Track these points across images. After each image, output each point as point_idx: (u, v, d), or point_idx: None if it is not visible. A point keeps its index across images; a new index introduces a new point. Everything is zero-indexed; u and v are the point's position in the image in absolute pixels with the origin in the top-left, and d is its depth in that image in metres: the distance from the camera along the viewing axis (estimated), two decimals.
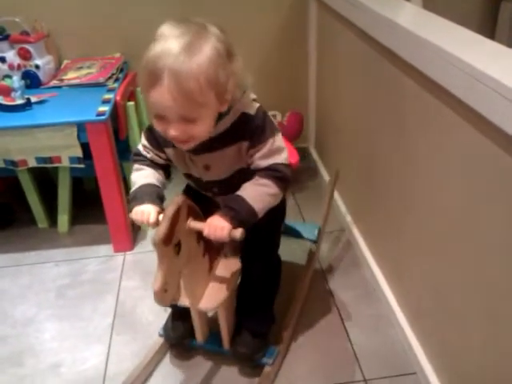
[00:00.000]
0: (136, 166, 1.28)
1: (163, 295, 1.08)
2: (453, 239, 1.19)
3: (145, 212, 1.16)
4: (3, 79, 1.85)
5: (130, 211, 1.19)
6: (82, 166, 1.83)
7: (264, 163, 1.18)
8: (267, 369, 1.43)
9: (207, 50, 1.02)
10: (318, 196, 2.24)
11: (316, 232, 1.75)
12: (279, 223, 1.48)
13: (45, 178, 2.24)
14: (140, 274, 1.88)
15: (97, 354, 1.57)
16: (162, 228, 1.05)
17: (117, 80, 2.00)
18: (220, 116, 1.13)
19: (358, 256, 1.89)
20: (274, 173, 1.18)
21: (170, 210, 1.07)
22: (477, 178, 1.06)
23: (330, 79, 2.14)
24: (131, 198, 1.22)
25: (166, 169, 1.31)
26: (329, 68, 2.14)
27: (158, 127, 1.10)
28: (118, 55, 2.18)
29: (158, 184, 1.25)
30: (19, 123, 1.73)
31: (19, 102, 1.78)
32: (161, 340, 1.54)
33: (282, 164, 1.19)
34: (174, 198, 1.12)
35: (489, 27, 2.14)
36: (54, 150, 1.80)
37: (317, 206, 2.13)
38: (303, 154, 2.43)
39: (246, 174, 1.21)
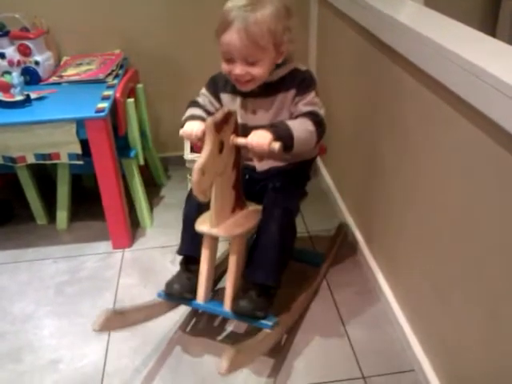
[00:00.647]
0: (188, 108, 1.47)
1: (200, 177, 1.18)
2: (453, 237, 1.19)
3: (195, 125, 1.36)
4: (3, 75, 1.84)
5: (182, 127, 1.39)
6: (80, 162, 1.82)
7: (306, 108, 1.38)
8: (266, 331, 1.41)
9: (270, 5, 1.28)
10: (317, 196, 2.24)
11: (321, 260, 1.80)
12: (302, 184, 1.59)
13: (44, 174, 2.24)
14: (139, 271, 1.88)
15: (95, 350, 1.57)
16: (218, 115, 1.22)
17: (116, 76, 2.00)
18: (276, 67, 1.37)
19: (357, 254, 1.89)
20: (314, 117, 1.36)
21: (226, 108, 1.26)
22: (477, 176, 1.06)
23: (330, 76, 2.13)
24: (183, 120, 1.41)
25: None
26: (329, 65, 2.14)
27: (226, 69, 1.34)
28: (117, 51, 2.17)
29: (204, 115, 1.43)
30: (18, 119, 1.73)
31: (18, 98, 1.77)
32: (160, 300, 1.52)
33: (320, 113, 1.38)
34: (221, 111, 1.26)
35: (490, 24, 2.13)
36: (53, 147, 1.79)
37: (317, 206, 2.14)
38: None
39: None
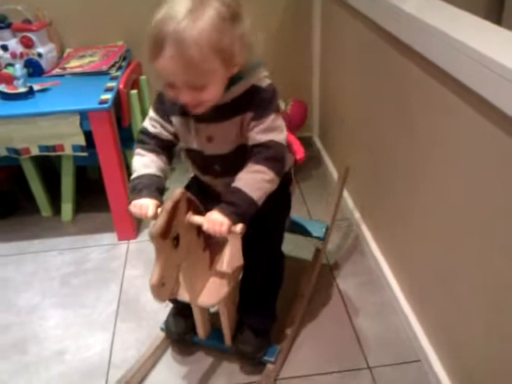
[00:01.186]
0: (138, 150, 1.25)
1: (160, 289, 1.07)
2: (458, 227, 1.19)
3: (143, 206, 1.14)
4: (5, 67, 1.84)
5: (129, 203, 1.17)
6: (84, 154, 1.82)
7: (261, 138, 1.16)
8: (269, 367, 1.42)
9: (209, 14, 1.00)
10: (321, 185, 2.24)
11: (324, 230, 1.70)
12: (284, 217, 1.47)
13: (48, 166, 2.24)
14: (144, 263, 1.88)
15: (101, 341, 1.57)
16: (160, 222, 1.03)
17: (120, 68, 1.99)
18: (230, 83, 1.13)
19: (362, 244, 1.89)
20: (268, 152, 1.16)
21: (169, 203, 1.05)
22: (483, 166, 1.06)
23: (334, 67, 2.13)
24: (130, 190, 1.19)
25: (169, 149, 1.27)
26: (333, 55, 2.13)
27: (169, 94, 1.11)
28: (120, 43, 2.16)
29: (158, 174, 1.22)
30: (22, 111, 1.73)
31: (22, 90, 1.77)
32: (162, 334, 1.52)
33: (278, 143, 1.18)
34: (174, 191, 1.09)
35: (495, 13, 2.11)
36: (56, 138, 1.79)
37: (321, 196, 2.14)
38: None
39: (247, 151, 1.19)
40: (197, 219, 1.13)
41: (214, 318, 1.43)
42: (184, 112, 1.19)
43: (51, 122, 1.75)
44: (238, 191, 1.14)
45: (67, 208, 2.11)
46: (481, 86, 0.99)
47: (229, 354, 1.47)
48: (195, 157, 1.29)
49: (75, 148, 1.81)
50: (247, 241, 1.27)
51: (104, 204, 1.94)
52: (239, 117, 1.17)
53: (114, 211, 1.94)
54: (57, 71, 1.97)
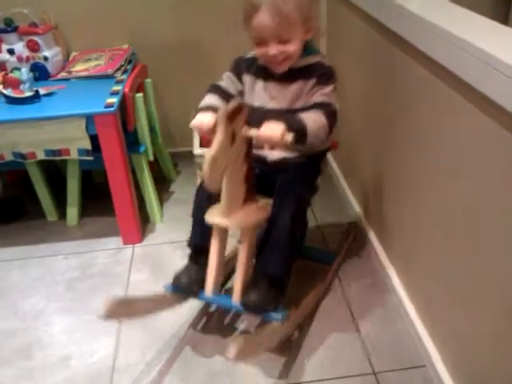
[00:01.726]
0: (206, 95, 1.45)
1: (213, 166, 1.17)
2: (466, 231, 1.17)
3: (205, 118, 1.31)
4: (12, 71, 1.83)
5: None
6: (90, 158, 1.82)
7: (321, 99, 1.37)
8: (276, 324, 1.38)
9: None
10: (326, 186, 2.21)
11: (333, 258, 1.78)
12: (313, 177, 1.57)
13: (54, 170, 2.24)
14: (149, 267, 1.87)
15: (105, 346, 1.57)
16: (231, 105, 1.19)
17: (125, 71, 1.99)
18: (302, 56, 1.38)
19: (368, 248, 1.87)
20: (327, 108, 1.35)
21: (239, 100, 1.26)
22: (491, 168, 1.04)
23: (340, 67, 2.10)
24: (197, 110, 1.38)
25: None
26: (339, 54, 2.11)
27: (259, 52, 1.35)
28: (126, 46, 2.16)
29: (221, 102, 1.40)
30: (28, 116, 1.73)
31: (28, 94, 1.77)
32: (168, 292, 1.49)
33: (333, 105, 1.37)
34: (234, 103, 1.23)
35: (502, 11, 2.09)
36: (62, 143, 1.79)
37: (326, 197, 2.12)
38: None
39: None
40: (252, 131, 1.26)
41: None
42: (256, 72, 1.45)
43: (57, 126, 1.74)
44: (297, 116, 1.32)
45: (73, 212, 2.11)
46: (485, 86, 0.98)
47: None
48: (254, 112, 1.38)
49: (81, 152, 1.81)
50: (277, 194, 1.42)
51: (109, 208, 1.94)
52: (303, 82, 1.39)
53: (120, 215, 1.94)
54: (62, 75, 1.97)
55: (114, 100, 1.76)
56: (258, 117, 1.34)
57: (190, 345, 1.54)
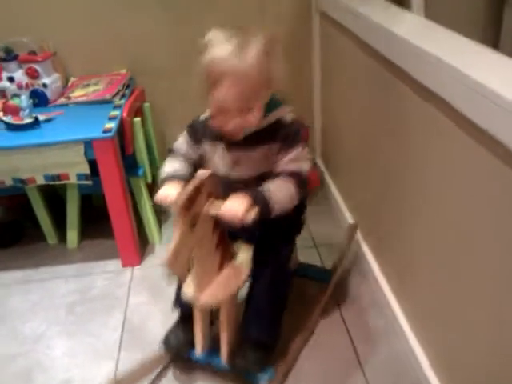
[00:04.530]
0: (168, 160, 1.42)
1: (174, 262, 1.12)
2: (461, 249, 1.18)
3: (169, 191, 1.28)
4: (12, 98, 1.87)
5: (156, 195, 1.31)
6: (89, 182, 1.84)
7: (290, 167, 1.30)
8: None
9: (255, 46, 1.20)
10: (323, 205, 2.24)
11: (329, 276, 1.78)
12: (294, 234, 1.54)
13: (54, 193, 2.26)
14: (148, 290, 1.88)
15: (106, 370, 1.57)
16: (186, 191, 1.13)
17: (123, 96, 2.02)
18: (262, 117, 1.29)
19: (362, 264, 1.87)
20: (297, 176, 1.29)
21: (199, 177, 1.16)
22: (480, 190, 1.06)
23: (334, 89, 2.14)
24: (159, 182, 1.35)
25: (194, 165, 1.41)
26: (333, 77, 2.15)
27: (217, 123, 1.28)
28: (124, 71, 2.20)
29: (183, 170, 1.37)
30: (27, 142, 1.75)
31: (27, 120, 1.80)
32: (161, 351, 1.52)
33: (303, 172, 1.31)
34: (205, 171, 1.21)
35: (493, 33, 2.13)
36: (61, 168, 1.81)
37: (323, 217, 2.15)
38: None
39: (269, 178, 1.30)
40: (214, 208, 1.20)
41: (213, 338, 1.43)
42: (215, 138, 1.35)
43: (56, 152, 1.77)
44: (261, 189, 1.26)
45: (73, 235, 2.13)
46: (473, 112, 1.00)
47: (225, 375, 1.46)
48: (219, 180, 1.36)
49: (80, 177, 1.83)
50: (256, 252, 1.38)
51: (109, 231, 1.95)
52: (266, 146, 1.31)
53: (119, 238, 1.95)
54: (62, 101, 2.00)
55: (112, 125, 1.79)
56: (224, 187, 1.31)
57: (188, 371, 1.54)
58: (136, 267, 2.00)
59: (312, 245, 2.03)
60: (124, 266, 2.01)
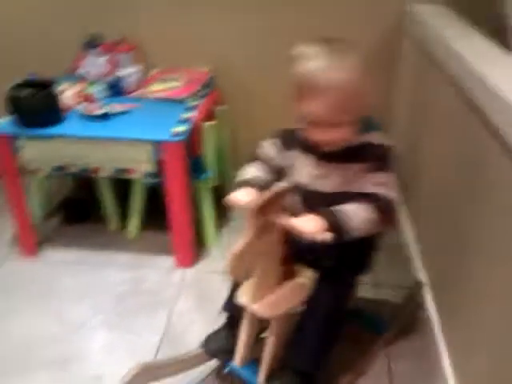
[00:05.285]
0: (250, 163, 1.38)
1: (236, 265, 1.13)
2: None
3: (243, 196, 1.25)
4: (89, 86, 1.89)
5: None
6: (154, 181, 1.85)
7: (375, 189, 1.23)
8: None
9: (351, 60, 1.17)
10: (394, 246, 2.07)
11: (384, 328, 1.66)
12: (360, 272, 1.46)
13: (121, 180, 2.29)
14: (196, 296, 1.87)
15: None
16: (263, 198, 1.13)
17: (200, 97, 1.99)
18: (358, 132, 1.25)
19: (425, 324, 1.70)
20: (382, 201, 1.22)
21: (277, 189, 1.16)
22: None
23: (417, 120, 1.99)
24: (234, 186, 1.31)
25: (274, 173, 1.38)
26: (416, 108, 1.99)
27: (308, 132, 1.25)
28: (204, 70, 2.15)
29: (262, 176, 1.33)
30: (96, 134, 1.77)
31: (100, 112, 1.82)
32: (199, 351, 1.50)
33: (388, 197, 1.23)
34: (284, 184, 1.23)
35: None
36: (128, 163, 1.83)
37: (390, 258, 1.97)
38: None
39: (350, 198, 1.24)
40: (287, 222, 1.16)
41: (255, 352, 1.38)
42: (304, 148, 1.32)
43: (124, 147, 1.78)
44: (340, 209, 1.20)
45: (133, 224, 2.16)
46: None
47: None
48: (299, 191, 1.35)
49: (145, 174, 1.84)
50: (317, 281, 1.33)
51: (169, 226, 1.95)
52: (357, 165, 1.26)
53: (175, 239, 1.95)
54: (138, 93, 2.00)
55: (183, 129, 1.76)
56: (303, 198, 1.31)
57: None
58: (188, 269, 2.00)
59: (375, 282, 1.91)
60: (178, 265, 2.01)
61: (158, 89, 2.01)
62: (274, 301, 1.27)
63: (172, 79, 2.07)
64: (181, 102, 1.95)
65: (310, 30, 2.06)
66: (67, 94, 1.88)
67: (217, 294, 1.82)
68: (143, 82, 2.09)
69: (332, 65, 1.14)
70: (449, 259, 1.58)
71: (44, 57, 2.23)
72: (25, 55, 2.30)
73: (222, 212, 2.27)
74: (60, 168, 1.88)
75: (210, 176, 2.02)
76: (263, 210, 1.12)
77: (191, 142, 1.88)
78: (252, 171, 1.35)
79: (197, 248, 2.07)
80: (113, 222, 2.22)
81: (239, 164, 2.37)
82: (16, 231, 2.07)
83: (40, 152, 1.85)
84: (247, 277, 1.24)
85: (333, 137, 1.22)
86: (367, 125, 1.28)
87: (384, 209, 1.22)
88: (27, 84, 1.80)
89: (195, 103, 1.94)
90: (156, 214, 2.20)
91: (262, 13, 2.09)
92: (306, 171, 1.33)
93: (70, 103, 1.87)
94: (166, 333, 1.72)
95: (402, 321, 1.72)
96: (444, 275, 1.65)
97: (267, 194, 1.13)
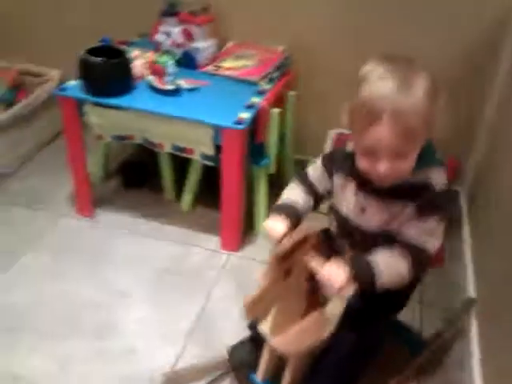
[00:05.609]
0: (292, 184, 1.34)
1: (253, 307, 1.14)
2: None
3: (276, 226, 1.20)
4: (161, 56, 1.83)
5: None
6: (212, 164, 1.81)
7: (415, 239, 1.14)
8: None
9: (421, 84, 1.05)
10: (449, 256, 1.94)
11: (420, 349, 1.55)
12: (392, 312, 1.39)
13: None
14: (236, 283, 1.85)
15: (168, 353, 1.60)
16: (285, 245, 1.10)
17: (271, 80, 1.90)
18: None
19: (464, 350, 1.62)
20: (418, 254, 1.14)
21: (301, 233, 1.11)
22: None
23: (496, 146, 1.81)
24: (271, 210, 1.28)
25: (317, 198, 1.32)
26: (500, 133, 1.81)
27: (363, 163, 1.12)
28: (280, 49, 2.05)
29: (301, 203, 1.28)
30: (162, 110, 1.74)
31: (168, 87, 1.77)
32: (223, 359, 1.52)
33: (428, 250, 1.15)
34: (308, 225, 1.16)
35: None
36: (188, 142, 1.80)
37: (442, 273, 1.88)
38: None
39: (391, 239, 1.17)
40: (315, 264, 1.12)
41: (279, 368, 1.35)
42: (350, 174, 1.22)
43: (185, 127, 1.74)
44: (369, 262, 1.13)
45: (188, 199, 2.15)
46: None
47: None
48: (340, 219, 1.29)
49: (203, 156, 1.81)
50: (345, 315, 1.26)
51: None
52: (402, 203, 1.15)
53: (224, 222, 1.93)
54: (209, 69, 1.94)
55: (246, 115, 1.70)
56: (344, 226, 1.26)
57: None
58: (233, 253, 1.98)
59: (418, 300, 1.80)
60: (222, 248, 1.99)
61: (230, 66, 1.94)
62: (295, 337, 1.21)
63: (246, 56, 1.99)
64: (252, 83, 1.86)
65: (402, 22, 1.92)
66: (137, 62, 1.84)
67: (257, 285, 1.82)
68: (217, 55, 2.02)
69: (400, 88, 1.03)
70: (507, 290, 1.46)
71: (121, 18, 2.20)
72: (101, 16, 2.29)
73: (277, 199, 2.21)
74: (121, 137, 1.88)
75: (269, 163, 1.96)
76: (287, 255, 1.09)
77: (255, 128, 1.82)
78: (291, 195, 1.30)
79: (245, 234, 2.03)
80: (168, 192, 2.21)
81: (303, 150, 2.32)
82: (74, 190, 2.10)
83: (104, 120, 1.85)
84: (267, 314, 1.21)
85: (393, 170, 1.09)
86: (427, 154, 1.14)
87: (417, 263, 1.14)
88: (100, 49, 1.76)
89: (266, 87, 1.86)
90: (212, 191, 2.18)
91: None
92: (351, 202, 1.24)
93: (140, 73, 1.84)
94: (200, 319, 1.72)
95: (439, 345, 1.61)
96: (495, 307, 1.53)
97: (291, 240, 1.10)
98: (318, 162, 1.32)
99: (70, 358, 1.58)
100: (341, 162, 1.25)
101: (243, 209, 1.94)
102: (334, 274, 1.10)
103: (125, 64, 1.77)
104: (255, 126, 1.81)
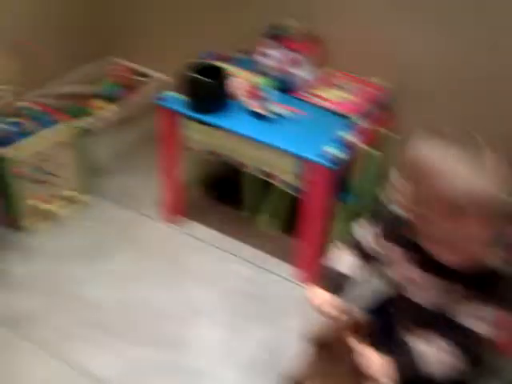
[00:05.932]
0: (342, 250, 1.29)
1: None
2: None
3: (322, 297, 1.22)
4: (259, 78, 1.82)
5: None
6: (293, 193, 1.78)
7: (465, 320, 1.07)
8: None
9: (500, 171, 0.96)
10: None
11: None
12: None
13: None
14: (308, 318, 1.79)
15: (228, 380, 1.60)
16: (321, 332, 1.13)
17: (368, 117, 1.81)
18: None
19: None
20: (471, 351, 1.08)
21: (342, 325, 1.13)
22: None
23: None
24: (322, 277, 1.29)
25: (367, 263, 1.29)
26: None
27: (430, 245, 1.05)
28: (383, 86, 1.93)
29: (349, 272, 1.26)
30: (248, 132, 1.73)
31: (261, 111, 1.76)
32: None
33: (479, 337, 1.07)
34: (355, 311, 1.18)
35: None
36: (272, 167, 1.78)
37: None
38: None
39: (443, 324, 1.10)
40: (357, 347, 1.12)
41: None
42: (403, 243, 1.15)
43: (270, 153, 1.73)
44: (411, 355, 1.09)
45: (263, 219, 2.13)
46: None
47: None
48: (390, 289, 1.27)
49: (286, 184, 1.79)
50: None
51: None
52: (460, 287, 1.07)
53: (302, 253, 1.88)
54: (304, 96, 1.88)
55: (336, 152, 1.64)
56: (391, 299, 1.24)
57: None
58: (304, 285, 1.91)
59: None
60: (297, 278, 1.94)
61: (326, 96, 1.87)
62: None
63: (344, 88, 1.91)
64: (348, 118, 1.79)
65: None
66: (235, 82, 1.84)
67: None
68: (314, 81, 1.96)
69: (480, 174, 0.94)
70: None
71: (225, 31, 2.22)
72: (204, 28, 2.31)
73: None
74: (212, 153, 1.91)
75: (356, 202, 1.89)
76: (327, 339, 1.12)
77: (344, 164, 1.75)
78: (339, 262, 1.28)
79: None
80: (249, 211, 2.17)
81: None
82: (164, 196, 2.12)
83: (199, 134, 1.88)
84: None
85: (467, 257, 1.02)
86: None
87: (470, 349, 1.08)
88: (201, 66, 1.78)
89: (361, 124, 1.78)
90: (293, 217, 2.14)
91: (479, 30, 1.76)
92: (405, 273, 1.17)
93: (236, 91, 1.83)
94: (270, 351, 1.68)
95: None
96: None
97: (328, 329, 1.12)
98: (367, 227, 1.26)
99: (136, 363, 1.64)
100: (396, 230, 1.17)
101: (323, 240, 1.86)
102: (374, 364, 1.09)
103: (225, 84, 1.79)
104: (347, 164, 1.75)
